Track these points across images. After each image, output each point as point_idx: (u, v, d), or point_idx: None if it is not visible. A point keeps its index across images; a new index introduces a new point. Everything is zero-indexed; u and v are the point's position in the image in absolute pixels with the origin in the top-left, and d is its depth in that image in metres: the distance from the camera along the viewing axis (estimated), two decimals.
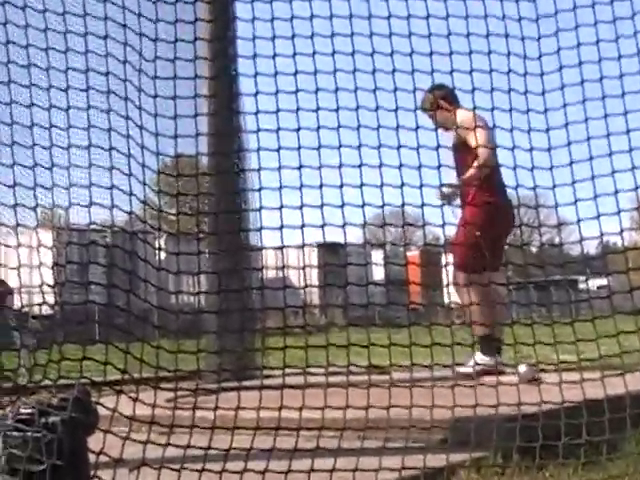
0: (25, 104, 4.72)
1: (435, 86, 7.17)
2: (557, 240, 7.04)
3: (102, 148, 4.61)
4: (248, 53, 5.45)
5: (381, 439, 4.85)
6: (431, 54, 5.37)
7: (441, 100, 7.62)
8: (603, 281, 24.49)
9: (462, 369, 6.61)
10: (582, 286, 36.75)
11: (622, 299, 5.91)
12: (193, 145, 5.30)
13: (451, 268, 7.88)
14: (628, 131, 5.30)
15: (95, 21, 4.89)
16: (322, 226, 5.04)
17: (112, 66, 4.80)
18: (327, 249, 25.65)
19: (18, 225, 4.57)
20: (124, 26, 4.94)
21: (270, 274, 7.51)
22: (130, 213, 4.63)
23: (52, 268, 4.84)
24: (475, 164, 7.41)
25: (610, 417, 4.67)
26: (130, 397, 4.39)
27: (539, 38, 5.55)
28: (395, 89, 5.30)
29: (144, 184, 4.76)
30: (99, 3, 4.90)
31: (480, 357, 7.30)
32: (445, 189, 7.22)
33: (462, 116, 7.18)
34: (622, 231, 5.35)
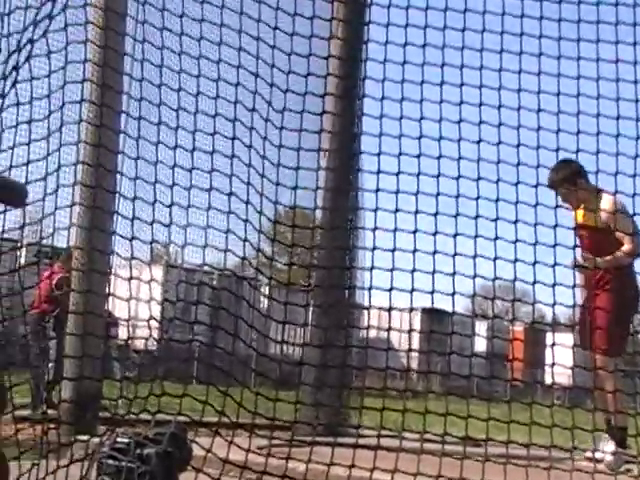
0: (152, 141, 4.82)
1: (568, 162, 7.06)
2: None
3: (222, 192, 4.68)
4: (374, 113, 5.50)
5: None
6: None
7: (579, 179, 7.50)
8: None
9: (595, 454, 6.56)
10: None
11: None
12: (309, 199, 5.37)
13: (586, 352, 7.69)
14: None
15: (228, 67, 4.99)
16: (431, 292, 5.04)
17: (239, 112, 4.89)
18: (432, 315, 25.49)
19: (133, 258, 4.65)
20: (256, 76, 5.03)
21: (372, 334, 7.50)
22: (243, 258, 4.68)
23: (161, 304, 4.91)
24: (625, 249, 7.29)
25: None
26: (225, 439, 4.41)
27: None
28: (518, 163, 5.32)
29: (260, 232, 4.81)
30: (234, 50, 5.00)
31: (613, 447, 7.10)
32: (581, 260, 7.18)
33: (606, 199, 7.05)
34: None
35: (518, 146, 5.39)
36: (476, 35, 5.50)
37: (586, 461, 6.42)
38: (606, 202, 6.90)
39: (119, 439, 3.73)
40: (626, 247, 7.19)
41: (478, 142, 5.35)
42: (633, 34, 5.54)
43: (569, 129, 5.45)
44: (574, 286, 5.75)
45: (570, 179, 7.29)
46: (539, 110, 5.42)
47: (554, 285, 5.47)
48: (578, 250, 7.51)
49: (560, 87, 5.48)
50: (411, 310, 5.19)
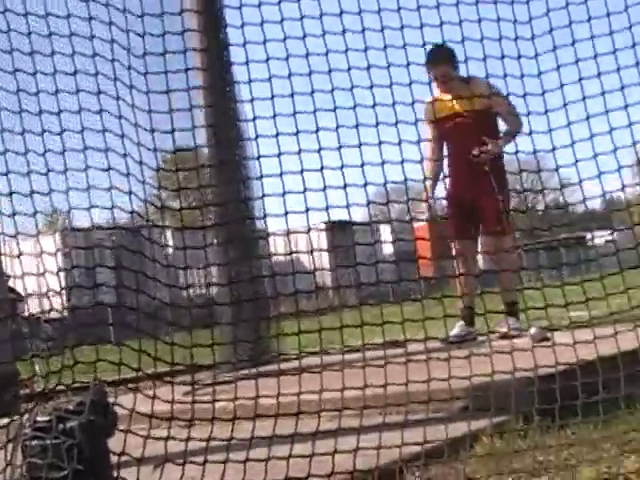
0: (14, 110, 4.70)
1: (446, 46, 7.02)
2: (561, 200, 7.03)
3: (98, 149, 4.61)
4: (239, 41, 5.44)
5: (402, 413, 4.85)
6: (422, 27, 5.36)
7: (456, 64, 7.44)
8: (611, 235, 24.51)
9: (500, 329, 6.73)
10: (591, 242, 36.75)
11: (630, 252, 5.90)
12: (192, 139, 5.31)
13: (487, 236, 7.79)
14: (622, 87, 5.30)
15: (80, 21, 4.87)
16: (326, 208, 5.06)
17: (100, 66, 4.79)
18: (336, 229, 25.63)
19: (18, 233, 4.57)
20: (110, 24, 4.92)
21: (281, 259, 7.51)
22: (132, 212, 4.63)
23: (57, 273, 4.84)
24: (516, 125, 7.27)
25: (625, 372, 4.67)
26: (147, 395, 4.39)
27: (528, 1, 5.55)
28: (388, 65, 5.30)
29: (143, 182, 4.75)
30: (82, 2, 4.87)
31: (513, 321, 7.30)
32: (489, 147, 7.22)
33: (481, 82, 7.00)
34: (624, 187, 5.38)
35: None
36: None
37: (501, 339, 6.57)
38: (482, 85, 6.92)
39: (39, 417, 3.68)
40: (518, 123, 7.19)
41: (345, 52, 5.33)
42: None
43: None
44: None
45: (451, 61, 7.33)
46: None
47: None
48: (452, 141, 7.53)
49: None
50: (309, 230, 5.19)
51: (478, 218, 7.58)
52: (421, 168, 5.81)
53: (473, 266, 7.96)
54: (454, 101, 7.47)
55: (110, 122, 4.72)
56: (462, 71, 7.13)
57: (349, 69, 5.26)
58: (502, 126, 8.04)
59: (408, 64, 5.37)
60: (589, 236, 37.04)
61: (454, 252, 7.91)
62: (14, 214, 4.52)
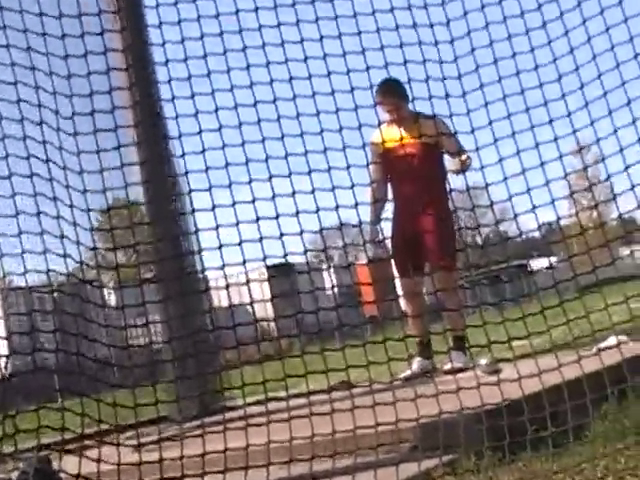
0: None
1: (399, 81, 7.04)
2: (500, 232, 7.11)
3: (29, 214, 4.58)
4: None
5: (352, 456, 4.83)
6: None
7: (407, 99, 7.39)
8: (552, 260, 24.72)
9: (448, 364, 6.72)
10: (532, 268, 37.05)
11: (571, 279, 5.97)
12: (130, 195, 5.32)
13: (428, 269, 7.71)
14: (551, 121, 5.41)
15: (5, 85, 4.86)
16: (264, 259, 5.10)
17: (29, 130, 4.78)
18: (278, 274, 25.60)
19: None
20: (36, 88, 4.92)
21: (225, 308, 7.47)
22: (68, 275, 4.61)
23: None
24: (462, 162, 7.22)
25: (572, 403, 4.71)
26: (92, 459, 4.34)
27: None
28: (317, 112, 5.36)
29: (78, 243, 4.74)
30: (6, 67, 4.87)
31: (459, 355, 7.22)
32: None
33: (429, 119, 6.92)
34: (559, 219, 5.48)
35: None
36: None
37: (448, 374, 6.55)
38: (431, 122, 6.82)
39: None
40: (463, 157, 7.23)
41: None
42: None
43: None
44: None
45: (401, 94, 7.36)
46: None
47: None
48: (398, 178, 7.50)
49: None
50: (247, 281, 5.20)
51: (423, 254, 7.53)
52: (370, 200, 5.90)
53: (422, 301, 7.92)
54: (402, 134, 7.48)
55: (41, 185, 4.70)
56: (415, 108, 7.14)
57: (278, 118, 5.30)
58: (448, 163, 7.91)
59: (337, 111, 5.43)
60: (530, 263, 37.35)
61: (401, 288, 7.87)
62: None
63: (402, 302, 7.95)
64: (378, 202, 7.69)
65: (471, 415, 4.81)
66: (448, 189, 7.30)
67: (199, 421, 5.67)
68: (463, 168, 7.25)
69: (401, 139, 7.43)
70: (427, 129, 6.76)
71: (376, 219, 7.78)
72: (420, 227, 7.30)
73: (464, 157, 7.31)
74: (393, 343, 5.30)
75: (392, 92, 7.46)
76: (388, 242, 8.00)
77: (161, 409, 5.03)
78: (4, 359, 4.91)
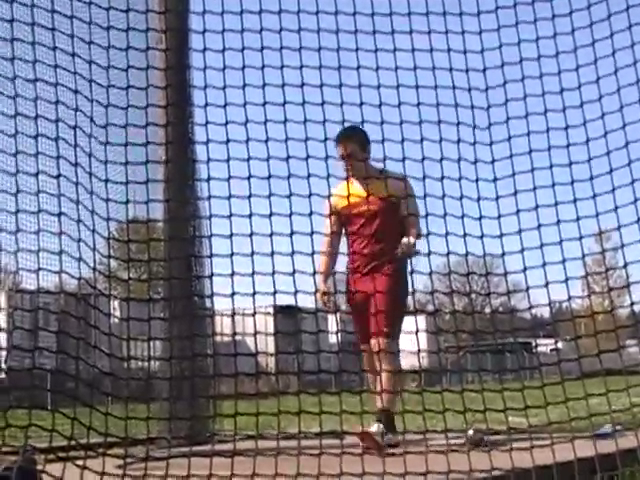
0: None
1: (360, 129, 6.76)
2: (510, 305, 7.07)
3: (51, 213, 4.61)
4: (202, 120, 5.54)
5: None
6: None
7: (368, 151, 7.04)
8: (558, 343, 24.65)
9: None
10: (536, 349, 36.90)
11: (573, 362, 5.95)
12: (151, 210, 5.36)
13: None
14: (575, 200, 5.43)
15: (46, 85, 4.91)
16: (274, 293, 5.10)
17: (62, 131, 4.81)
18: (283, 314, 25.57)
19: None
20: (75, 92, 4.97)
21: (226, 339, 7.45)
22: (79, 279, 4.62)
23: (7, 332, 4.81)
24: (415, 232, 6.86)
25: None
26: (78, 465, 4.33)
27: (488, 107, 5.69)
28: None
29: (94, 250, 4.75)
30: (50, 68, 4.93)
31: (380, 428, 6.78)
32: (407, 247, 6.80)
33: (396, 178, 6.61)
34: (570, 298, 5.46)
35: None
36: None
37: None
38: (396, 181, 6.47)
39: None
40: (418, 229, 6.76)
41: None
42: None
43: None
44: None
45: (364, 144, 6.95)
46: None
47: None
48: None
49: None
50: (254, 313, 5.21)
51: (369, 315, 6.96)
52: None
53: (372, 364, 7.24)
54: (361, 188, 7.04)
55: (66, 187, 4.73)
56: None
57: (307, 158, 5.33)
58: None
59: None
60: (534, 343, 37.20)
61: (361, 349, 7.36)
62: None
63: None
64: (330, 257, 7.25)
65: None
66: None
67: (188, 446, 5.66)
68: (409, 251, 6.73)
69: (366, 195, 6.95)
70: (393, 189, 6.41)
71: (326, 275, 7.28)
72: (369, 288, 6.77)
73: (412, 240, 6.82)
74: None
75: (351, 137, 7.04)
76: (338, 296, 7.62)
77: (151, 427, 5.00)
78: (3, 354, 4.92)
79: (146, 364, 5.77)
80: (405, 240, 6.68)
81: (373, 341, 6.75)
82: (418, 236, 6.69)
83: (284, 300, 5.35)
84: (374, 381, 6.95)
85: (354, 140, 6.91)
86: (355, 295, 7.06)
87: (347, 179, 6.94)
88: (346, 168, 6.95)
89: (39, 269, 4.44)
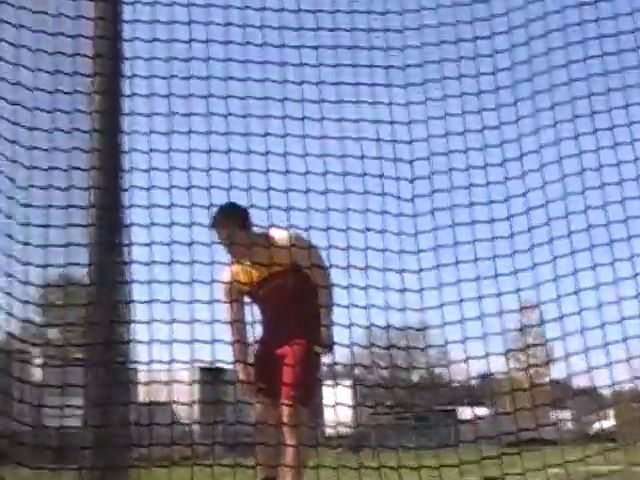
0: None
1: (236, 204, 6.15)
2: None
3: None
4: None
5: None
6: None
7: (248, 224, 6.53)
8: (482, 410, 24.69)
9: None
10: (461, 416, 36.96)
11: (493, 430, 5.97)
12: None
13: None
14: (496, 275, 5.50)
15: None
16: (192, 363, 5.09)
17: None
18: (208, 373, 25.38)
19: None
20: None
21: (152, 397, 7.26)
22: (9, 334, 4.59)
23: None
24: (324, 285, 6.39)
25: None
26: None
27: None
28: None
29: (9, 314, 4.71)
30: None
31: None
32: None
33: (278, 235, 6.23)
34: (491, 375, 5.51)
35: None
36: None
37: None
38: (280, 238, 6.19)
39: None
40: (327, 280, 6.41)
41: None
42: None
43: None
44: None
45: (235, 222, 6.38)
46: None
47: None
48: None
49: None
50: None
51: (279, 379, 6.39)
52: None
53: (274, 434, 6.60)
54: (250, 268, 6.63)
55: None
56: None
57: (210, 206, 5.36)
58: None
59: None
60: (459, 410, 37.31)
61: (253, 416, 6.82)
62: None
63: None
64: (243, 343, 6.72)
65: None
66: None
67: None
68: (327, 302, 6.35)
69: (251, 272, 6.55)
70: (279, 248, 6.16)
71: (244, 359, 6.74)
72: (280, 350, 6.33)
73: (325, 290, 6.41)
74: None
75: (222, 221, 6.58)
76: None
77: None
78: None
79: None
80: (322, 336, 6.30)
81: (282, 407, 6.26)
82: (322, 277, 6.29)
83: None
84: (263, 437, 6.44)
85: (229, 221, 6.45)
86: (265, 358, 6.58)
87: (234, 261, 6.47)
88: (229, 252, 6.43)
89: None
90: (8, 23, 5.29)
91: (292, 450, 5.85)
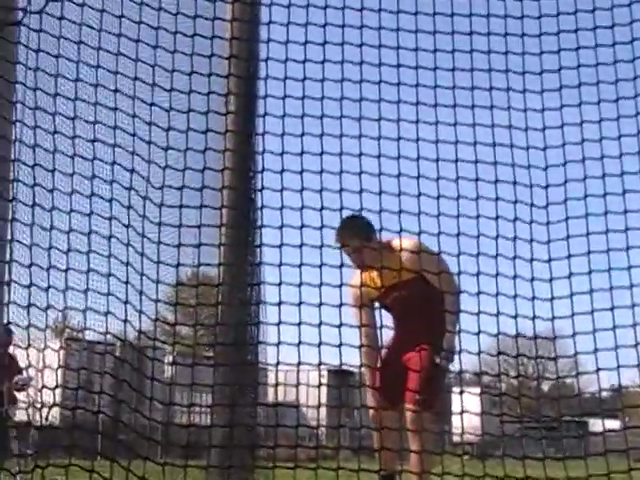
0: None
1: (357, 216, 6.27)
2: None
3: (100, 274, 4.68)
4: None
5: None
6: None
7: (372, 234, 6.54)
8: (614, 424, 24.16)
9: None
10: (593, 428, 36.17)
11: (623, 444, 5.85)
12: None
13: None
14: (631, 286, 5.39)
15: (104, 146, 5.00)
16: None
17: (116, 191, 4.91)
18: (338, 376, 25.41)
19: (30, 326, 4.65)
20: (132, 153, 5.04)
21: (280, 397, 7.31)
22: (124, 341, 4.67)
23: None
24: (452, 292, 6.41)
25: None
26: None
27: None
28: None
29: (140, 312, 4.80)
30: (110, 129, 5.01)
31: None
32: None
33: (403, 243, 6.08)
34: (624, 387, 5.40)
35: None
36: None
37: None
38: (407, 246, 6.19)
39: None
40: (451, 289, 6.20)
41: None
42: None
43: None
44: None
45: (362, 234, 6.30)
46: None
47: None
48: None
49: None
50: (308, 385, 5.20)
51: (403, 385, 6.41)
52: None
53: (395, 437, 6.67)
54: (377, 276, 6.62)
55: (117, 248, 4.80)
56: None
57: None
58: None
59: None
60: (591, 422, 36.57)
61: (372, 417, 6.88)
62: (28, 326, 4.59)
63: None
64: (371, 349, 6.71)
65: None
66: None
67: None
68: (453, 309, 6.30)
69: (376, 282, 6.30)
70: (404, 257, 6.14)
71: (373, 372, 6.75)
72: (406, 360, 6.34)
73: (452, 297, 6.20)
74: None
75: (349, 232, 6.63)
76: None
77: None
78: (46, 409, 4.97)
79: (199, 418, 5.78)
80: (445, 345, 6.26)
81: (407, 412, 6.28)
82: (449, 286, 6.26)
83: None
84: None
85: (353, 234, 6.32)
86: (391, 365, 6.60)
87: (361, 270, 6.54)
88: (354, 262, 6.50)
89: (84, 328, 4.49)
90: (147, 25, 5.39)
91: (416, 455, 5.92)
